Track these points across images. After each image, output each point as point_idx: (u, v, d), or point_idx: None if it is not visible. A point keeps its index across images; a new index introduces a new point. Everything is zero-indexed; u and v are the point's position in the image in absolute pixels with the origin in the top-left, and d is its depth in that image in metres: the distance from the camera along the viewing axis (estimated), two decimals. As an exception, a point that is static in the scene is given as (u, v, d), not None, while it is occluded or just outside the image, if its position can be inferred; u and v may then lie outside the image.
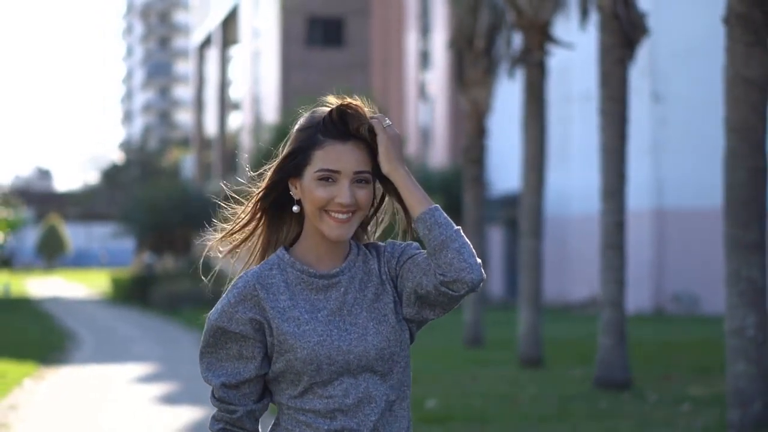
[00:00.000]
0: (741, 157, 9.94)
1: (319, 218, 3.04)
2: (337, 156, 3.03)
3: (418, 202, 3.02)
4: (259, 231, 3.19)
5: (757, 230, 9.93)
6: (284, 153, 3.11)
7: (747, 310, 9.86)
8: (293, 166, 3.08)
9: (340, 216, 3.03)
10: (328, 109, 3.07)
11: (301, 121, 3.11)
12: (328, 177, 3.03)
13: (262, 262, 3.12)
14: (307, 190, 3.05)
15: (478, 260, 3.00)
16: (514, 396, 12.93)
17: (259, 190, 3.16)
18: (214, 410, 3.13)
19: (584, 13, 15.73)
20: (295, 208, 3.11)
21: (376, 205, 3.18)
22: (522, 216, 16.21)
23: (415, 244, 3.13)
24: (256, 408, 3.11)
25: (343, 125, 3.04)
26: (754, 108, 9.91)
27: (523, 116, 16.23)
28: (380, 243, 3.19)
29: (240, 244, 3.21)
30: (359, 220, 3.08)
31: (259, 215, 3.18)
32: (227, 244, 3.22)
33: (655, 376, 14.54)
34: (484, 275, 3.00)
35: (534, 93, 16.02)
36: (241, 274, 3.12)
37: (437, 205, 3.02)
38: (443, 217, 3.00)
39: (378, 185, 3.14)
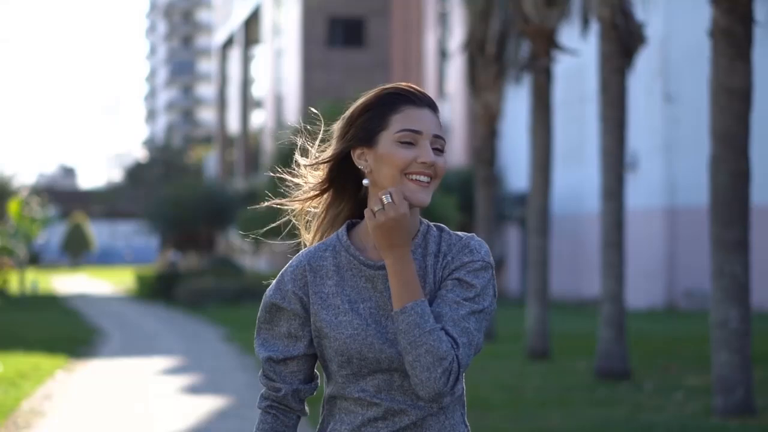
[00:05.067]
0: (725, 162, 10.66)
1: (400, 183, 2.95)
2: (418, 117, 2.97)
3: (396, 294, 2.92)
4: (323, 206, 3.14)
5: (740, 229, 10.65)
6: (356, 118, 3.03)
7: (730, 304, 10.60)
8: (365, 131, 3.00)
9: (423, 179, 2.95)
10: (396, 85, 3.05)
11: (365, 99, 3.04)
12: (409, 139, 2.95)
13: (320, 243, 3.06)
14: (386, 154, 2.96)
15: (438, 371, 2.87)
16: (518, 386, 13.63)
17: (327, 158, 3.07)
18: (263, 388, 3.10)
19: (585, 22, 16.38)
20: (365, 182, 3.01)
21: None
22: (530, 215, 16.87)
23: (475, 254, 3.00)
24: (303, 388, 3.05)
25: (420, 95, 3.01)
26: (737, 117, 10.62)
27: (531, 120, 16.86)
28: (458, 235, 3.04)
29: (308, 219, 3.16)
30: (434, 189, 2.98)
31: (326, 188, 3.11)
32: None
33: (656, 367, 15.20)
34: (441, 390, 2.87)
35: (541, 98, 16.66)
36: (301, 251, 3.07)
37: (413, 302, 2.90)
38: (405, 324, 2.89)
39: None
